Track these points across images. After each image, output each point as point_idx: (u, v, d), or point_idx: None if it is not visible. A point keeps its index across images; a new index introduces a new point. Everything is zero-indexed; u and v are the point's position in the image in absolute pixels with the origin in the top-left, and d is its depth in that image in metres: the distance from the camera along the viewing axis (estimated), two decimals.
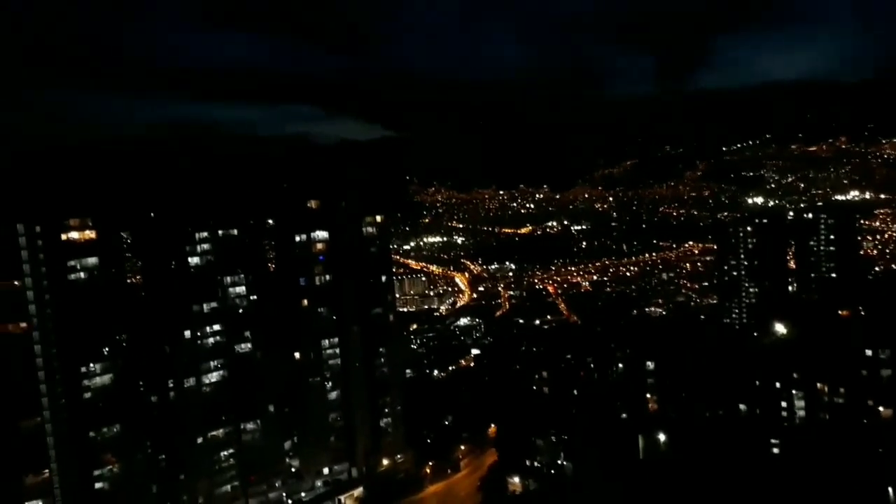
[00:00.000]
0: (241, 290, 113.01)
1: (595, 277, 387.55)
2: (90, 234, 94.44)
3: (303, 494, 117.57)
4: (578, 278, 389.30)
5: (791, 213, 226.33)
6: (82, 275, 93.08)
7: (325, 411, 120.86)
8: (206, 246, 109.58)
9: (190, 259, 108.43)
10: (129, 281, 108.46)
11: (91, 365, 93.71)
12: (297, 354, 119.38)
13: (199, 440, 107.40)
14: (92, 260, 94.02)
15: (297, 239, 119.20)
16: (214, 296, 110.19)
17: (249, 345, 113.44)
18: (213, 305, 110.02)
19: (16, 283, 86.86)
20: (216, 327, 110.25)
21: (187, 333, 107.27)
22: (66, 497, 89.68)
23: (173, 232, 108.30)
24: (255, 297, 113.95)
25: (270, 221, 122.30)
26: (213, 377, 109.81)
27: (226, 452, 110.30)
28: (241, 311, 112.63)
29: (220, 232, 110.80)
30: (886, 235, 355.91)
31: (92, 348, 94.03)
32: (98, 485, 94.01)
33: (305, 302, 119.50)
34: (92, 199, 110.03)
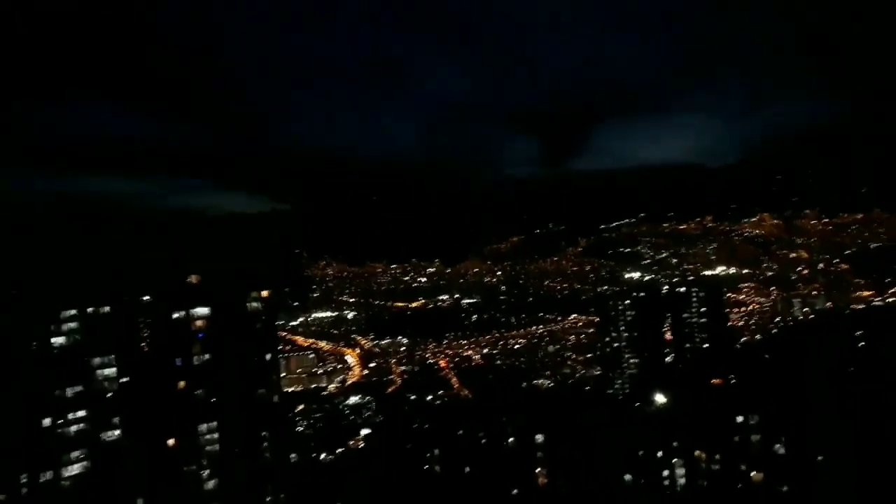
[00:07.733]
0: (111, 371, 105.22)
1: (486, 350, 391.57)
2: None
3: None
4: (470, 351, 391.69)
5: (665, 288, 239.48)
6: None
7: (200, 503, 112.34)
8: (72, 325, 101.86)
9: (54, 340, 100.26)
10: None
11: None
12: (170, 441, 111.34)
13: None
14: None
15: (175, 316, 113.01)
16: (80, 379, 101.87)
17: (118, 431, 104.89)
18: (77, 389, 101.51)
19: None
20: (80, 413, 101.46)
21: (46, 421, 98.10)
22: None
23: (36, 312, 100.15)
24: (125, 379, 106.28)
25: (147, 297, 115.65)
26: (75, 469, 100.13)
27: None
28: (109, 395, 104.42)
29: (89, 310, 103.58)
30: (750, 307, 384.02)
31: None
32: None
33: (182, 384, 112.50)
34: None
